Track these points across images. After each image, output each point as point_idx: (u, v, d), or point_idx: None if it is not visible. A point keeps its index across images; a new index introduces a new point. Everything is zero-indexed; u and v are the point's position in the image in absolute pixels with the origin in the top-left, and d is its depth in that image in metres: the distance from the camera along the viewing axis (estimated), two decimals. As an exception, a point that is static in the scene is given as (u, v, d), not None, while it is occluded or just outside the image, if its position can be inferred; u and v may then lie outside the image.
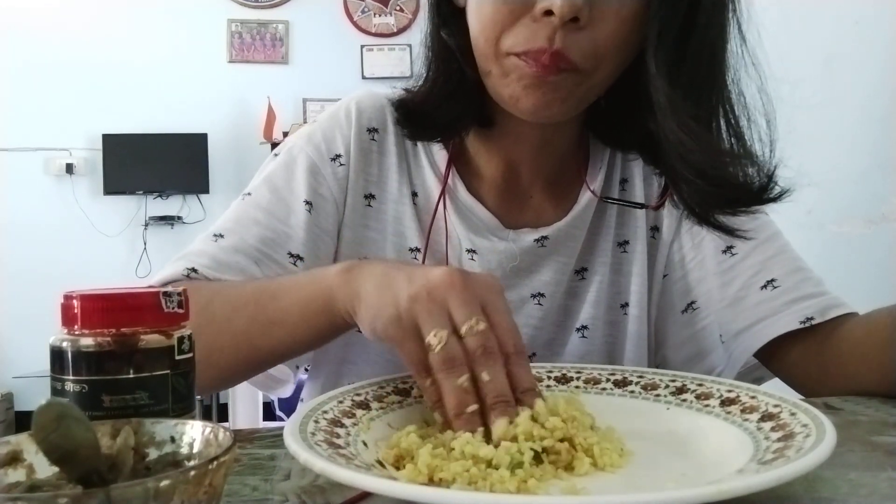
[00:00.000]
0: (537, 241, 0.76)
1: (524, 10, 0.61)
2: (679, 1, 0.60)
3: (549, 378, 0.59)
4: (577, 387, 0.58)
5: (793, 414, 0.44)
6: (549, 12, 0.59)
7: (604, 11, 0.60)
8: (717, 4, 0.62)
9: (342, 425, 0.46)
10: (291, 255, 0.72)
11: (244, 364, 0.63)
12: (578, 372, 0.59)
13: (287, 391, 0.79)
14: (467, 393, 0.45)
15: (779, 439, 0.42)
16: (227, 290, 0.64)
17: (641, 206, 0.79)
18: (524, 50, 0.61)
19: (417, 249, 0.77)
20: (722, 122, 0.64)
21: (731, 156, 0.64)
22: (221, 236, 0.71)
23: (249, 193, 0.75)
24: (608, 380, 0.58)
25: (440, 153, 0.78)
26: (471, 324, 0.46)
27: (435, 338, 0.46)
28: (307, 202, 0.73)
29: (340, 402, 0.49)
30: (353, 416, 0.48)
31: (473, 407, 0.45)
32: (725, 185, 0.64)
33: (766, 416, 0.46)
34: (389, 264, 0.53)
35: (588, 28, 0.60)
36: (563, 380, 0.59)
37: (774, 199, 0.65)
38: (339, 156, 0.76)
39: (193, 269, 0.67)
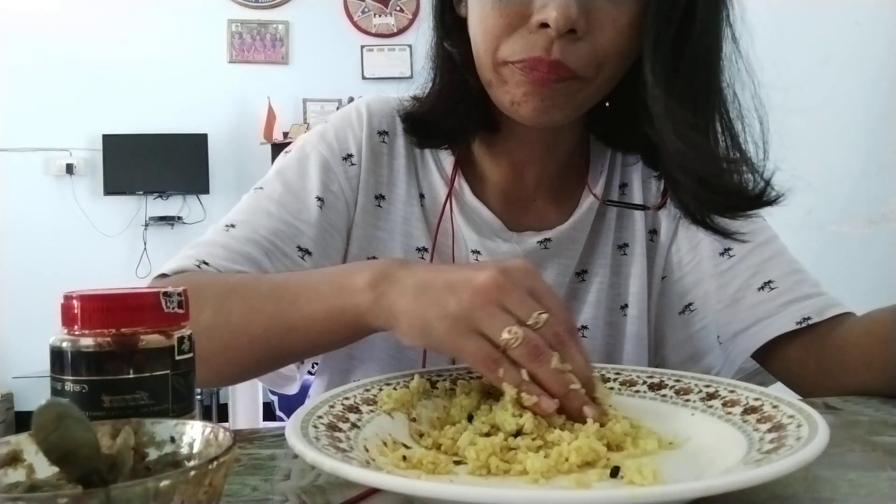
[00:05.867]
0: (540, 243, 0.77)
1: (521, 20, 0.61)
2: (674, 9, 0.60)
3: None
4: None
5: (775, 406, 0.45)
6: (545, 24, 0.59)
7: (601, 20, 0.61)
8: (712, 12, 0.63)
9: (340, 429, 0.46)
10: (300, 249, 0.72)
11: (261, 363, 0.64)
12: None
13: (294, 388, 0.80)
14: (565, 374, 0.47)
15: (769, 430, 0.42)
16: (242, 286, 0.63)
17: (643, 207, 0.80)
18: (521, 58, 0.62)
19: (425, 249, 0.78)
20: (718, 128, 0.65)
21: (729, 162, 0.65)
22: (233, 226, 0.71)
23: (261, 188, 0.76)
24: None
25: (447, 157, 0.79)
26: (535, 318, 0.47)
27: (511, 334, 0.46)
28: (319, 198, 0.74)
29: (331, 406, 0.48)
30: (348, 420, 0.48)
31: (576, 386, 0.47)
32: (724, 191, 0.64)
33: (749, 409, 0.47)
34: (420, 273, 0.52)
35: (586, 38, 0.61)
36: None
37: (771, 203, 0.66)
38: (350, 155, 0.77)
39: (205, 262, 0.67)
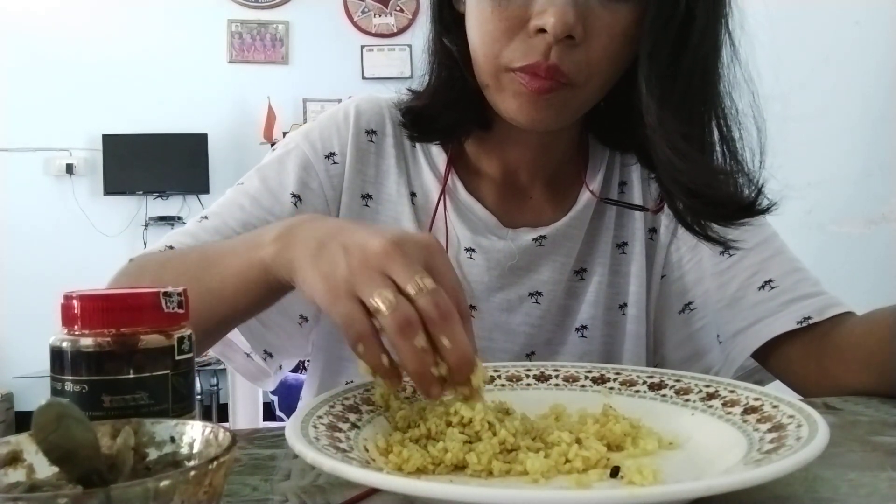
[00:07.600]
0: (535, 240, 0.77)
1: (520, 25, 0.62)
2: (671, 19, 0.60)
3: (527, 376, 0.59)
4: (556, 385, 0.58)
5: (775, 406, 0.45)
6: (542, 30, 0.60)
7: (597, 27, 0.61)
8: (711, 20, 0.62)
9: (340, 430, 0.46)
10: None
11: (196, 332, 0.60)
12: (556, 370, 0.59)
13: (269, 385, 0.80)
14: (427, 353, 0.43)
15: (769, 430, 0.42)
16: (177, 256, 0.66)
17: (641, 208, 0.80)
18: (521, 65, 0.62)
19: None
20: (716, 134, 0.65)
21: (722, 173, 0.65)
22: (206, 218, 0.73)
23: (242, 183, 0.77)
24: (586, 377, 0.58)
25: (439, 155, 0.79)
26: (417, 282, 0.44)
27: (381, 299, 0.43)
28: (294, 195, 0.75)
29: (332, 406, 0.48)
30: (348, 420, 0.48)
31: (436, 371, 0.44)
32: (716, 201, 0.64)
33: (749, 409, 0.47)
34: (325, 227, 0.50)
35: (583, 44, 0.61)
36: (542, 378, 0.59)
37: (763, 212, 0.66)
38: (333, 153, 0.77)
39: (171, 247, 0.70)
